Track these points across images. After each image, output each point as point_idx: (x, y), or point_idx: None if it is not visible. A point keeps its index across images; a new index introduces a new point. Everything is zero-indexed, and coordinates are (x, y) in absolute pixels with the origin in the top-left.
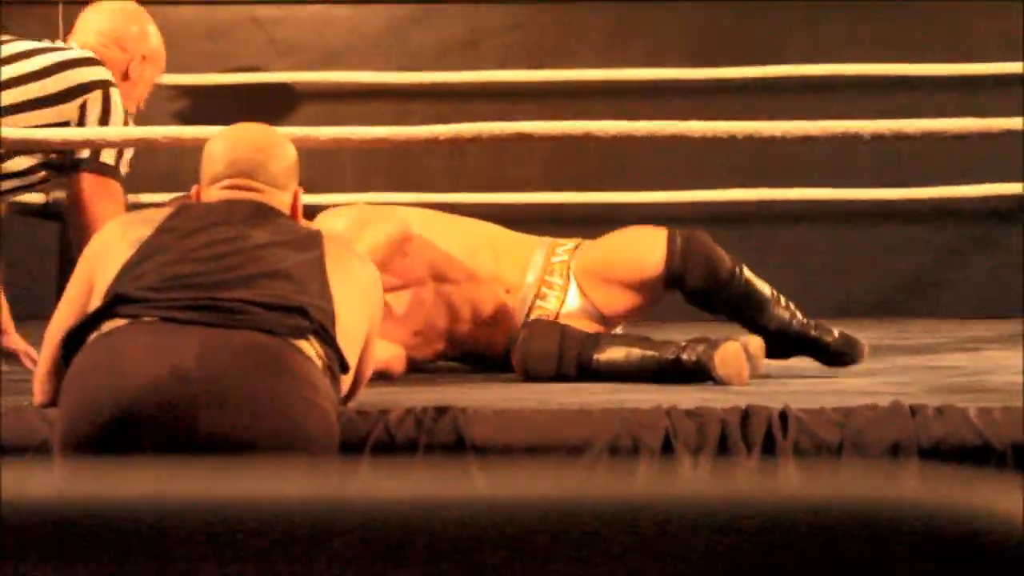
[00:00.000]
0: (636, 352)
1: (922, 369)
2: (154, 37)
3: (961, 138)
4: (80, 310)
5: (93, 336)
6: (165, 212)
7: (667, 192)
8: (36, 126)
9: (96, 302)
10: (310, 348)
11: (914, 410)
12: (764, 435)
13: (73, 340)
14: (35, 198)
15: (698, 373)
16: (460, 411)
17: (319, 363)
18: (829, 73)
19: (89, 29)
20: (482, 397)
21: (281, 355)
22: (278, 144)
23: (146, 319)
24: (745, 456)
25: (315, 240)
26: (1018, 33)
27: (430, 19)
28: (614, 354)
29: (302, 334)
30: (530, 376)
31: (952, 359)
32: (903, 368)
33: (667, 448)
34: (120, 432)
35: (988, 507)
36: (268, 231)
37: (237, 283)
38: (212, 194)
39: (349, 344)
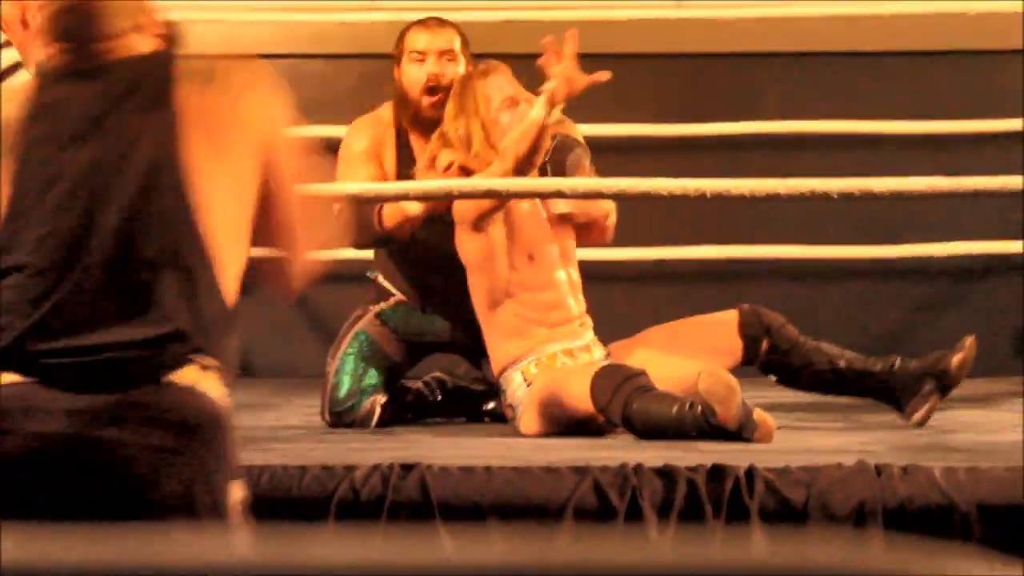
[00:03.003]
0: (667, 407)
1: (890, 428)
2: None
3: (932, 198)
4: None
5: None
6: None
7: (635, 248)
8: None
9: None
10: (194, 369)
11: (879, 469)
12: (731, 494)
13: None
14: None
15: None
16: (426, 468)
17: (210, 372)
18: (801, 131)
19: None
20: (449, 454)
21: (160, 411)
22: None
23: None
24: (712, 516)
25: (163, 97)
26: (987, 90)
27: None
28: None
29: (181, 362)
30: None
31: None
32: (871, 426)
33: (633, 506)
34: None
35: None
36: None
37: (94, 320)
38: None
39: (235, 254)
